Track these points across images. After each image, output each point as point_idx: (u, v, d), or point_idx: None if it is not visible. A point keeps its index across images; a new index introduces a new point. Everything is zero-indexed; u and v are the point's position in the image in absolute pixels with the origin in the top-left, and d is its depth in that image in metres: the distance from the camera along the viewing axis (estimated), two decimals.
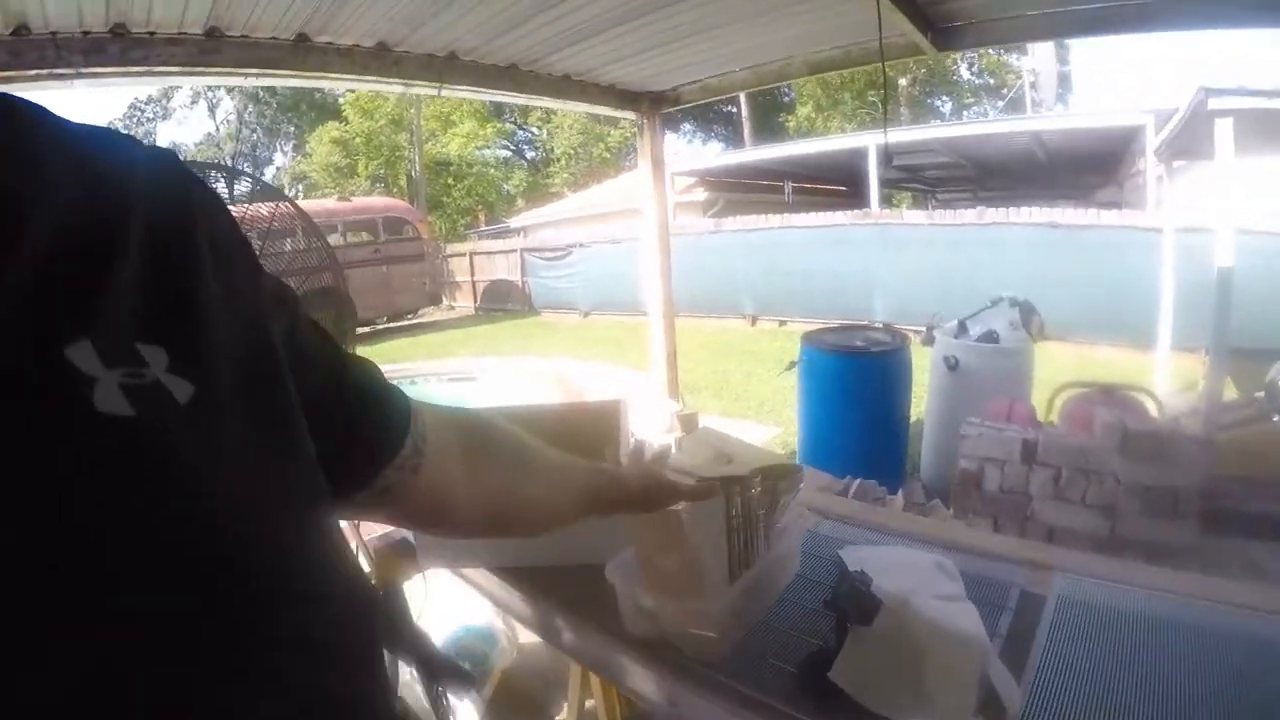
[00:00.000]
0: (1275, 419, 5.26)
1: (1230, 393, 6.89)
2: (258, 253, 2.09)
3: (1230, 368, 7.92)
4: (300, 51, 3.02)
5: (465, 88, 3.67)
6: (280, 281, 0.64)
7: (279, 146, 40.69)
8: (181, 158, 0.57)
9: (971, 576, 1.57)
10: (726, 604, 1.38)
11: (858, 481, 3.52)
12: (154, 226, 0.48)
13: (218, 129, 43.45)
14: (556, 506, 1.03)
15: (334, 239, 17.40)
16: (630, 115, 4.48)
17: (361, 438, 0.70)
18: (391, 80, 3.42)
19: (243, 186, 2.40)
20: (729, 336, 13.84)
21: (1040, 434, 3.67)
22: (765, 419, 7.77)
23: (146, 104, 42.56)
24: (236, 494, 0.46)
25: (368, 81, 3.40)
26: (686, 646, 1.43)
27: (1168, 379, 7.80)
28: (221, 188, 2.34)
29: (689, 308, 15.01)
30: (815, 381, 5.27)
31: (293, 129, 40.03)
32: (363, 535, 2.06)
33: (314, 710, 0.49)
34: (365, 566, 1.90)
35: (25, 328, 0.39)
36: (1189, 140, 6.18)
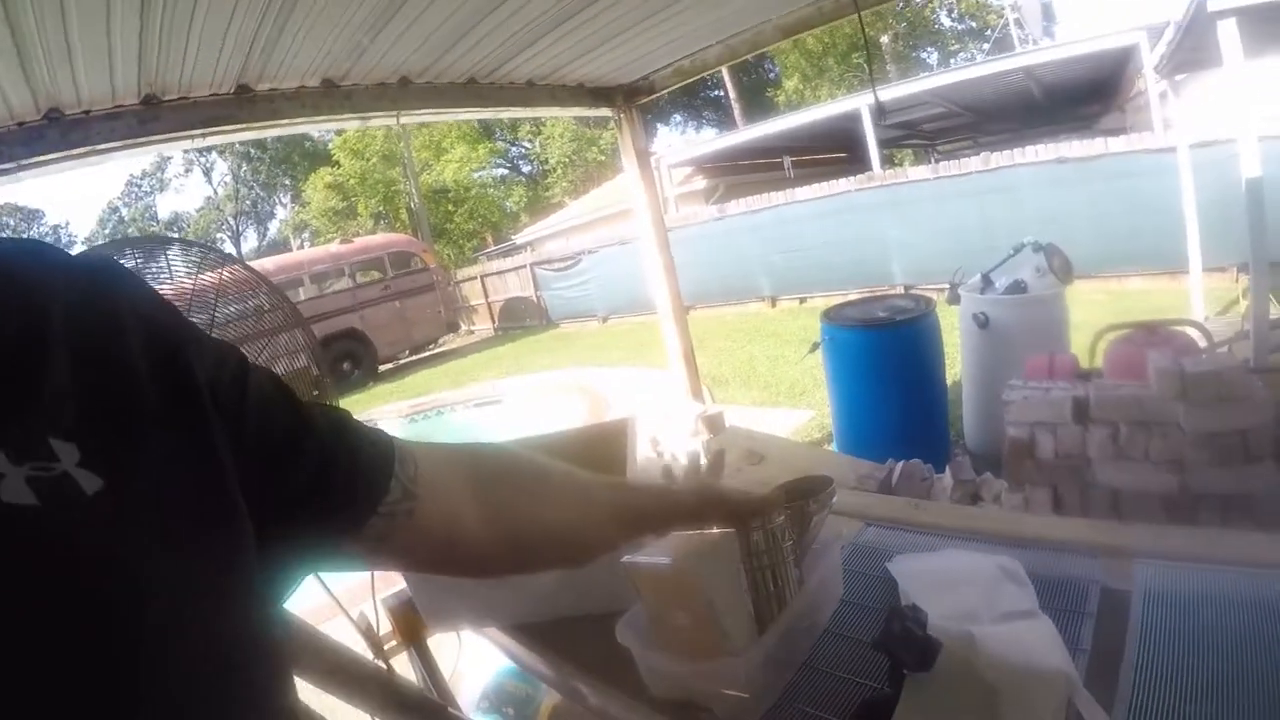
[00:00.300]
0: None
1: (1275, 310, 6.61)
2: (211, 321, 1.93)
3: (1271, 283, 7.64)
4: (245, 103, 2.89)
5: (426, 111, 3.50)
6: (224, 346, 0.66)
7: (278, 200, 41.17)
8: (118, 258, 0.70)
9: (1042, 578, 1.35)
10: (758, 657, 1.16)
11: (900, 464, 3.29)
12: (79, 334, 0.51)
13: (215, 192, 44.08)
14: (593, 531, 0.96)
15: (343, 282, 17.44)
16: (606, 112, 4.29)
17: (334, 488, 0.68)
18: (346, 116, 3.27)
19: (193, 256, 2.25)
20: (751, 321, 13.66)
21: (1090, 389, 3.37)
22: (798, 403, 7.56)
23: (142, 178, 43.38)
24: (151, 581, 0.48)
25: (321, 121, 3.23)
26: (718, 708, 1.22)
27: (1205, 303, 7.53)
28: (178, 262, 2.20)
29: (706, 298, 14.85)
30: (841, 360, 5.05)
31: (289, 180, 40.38)
32: (377, 596, 1.91)
33: None
34: (384, 627, 1.85)
35: None
36: (1190, 50, 5.91)
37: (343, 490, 0.69)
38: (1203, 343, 4.21)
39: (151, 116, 2.71)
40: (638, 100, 4.31)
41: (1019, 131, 20.74)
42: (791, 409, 7.38)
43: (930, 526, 1.74)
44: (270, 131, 3.40)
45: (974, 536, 1.62)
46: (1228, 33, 4.82)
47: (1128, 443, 3.19)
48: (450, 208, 29.84)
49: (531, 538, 0.89)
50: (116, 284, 0.57)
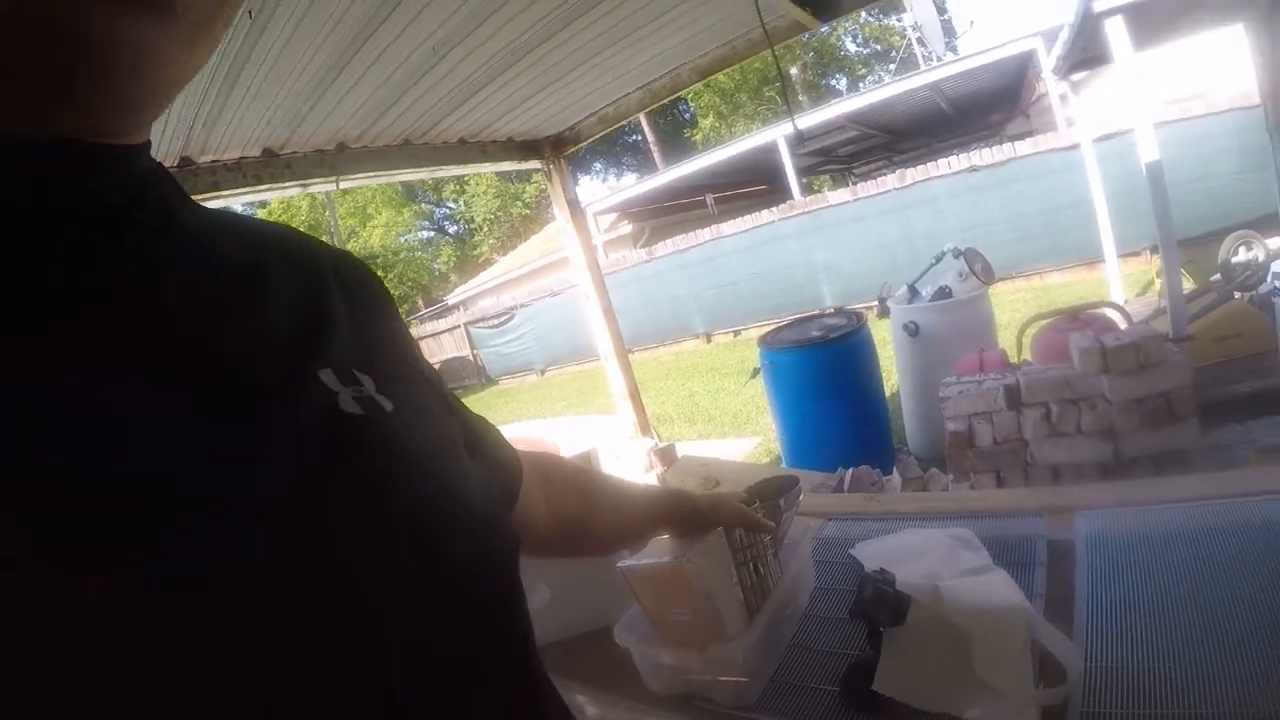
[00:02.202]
0: (1237, 296, 5.29)
1: (1188, 284, 6.97)
2: None
3: (1182, 258, 8.04)
4: (189, 175, 2.92)
5: (363, 175, 3.57)
6: None
7: None
8: None
9: (993, 540, 1.49)
10: (752, 642, 1.27)
11: (850, 471, 3.43)
12: (345, 285, 0.66)
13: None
14: (627, 525, 1.16)
15: None
16: (535, 164, 4.40)
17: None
18: (288, 184, 3.32)
19: None
20: (688, 359, 13.83)
21: (1020, 375, 3.60)
22: (742, 432, 7.70)
23: None
24: (454, 479, 0.61)
25: (264, 190, 3.29)
26: (719, 695, 1.32)
27: (1124, 287, 7.87)
28: None
29: (642, 340, 14.96)
30: (782, 382, 5.20)
31: None
32: None
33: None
34: None
35: (293, 359, 0.55)
36: (1083, 49, 6.21)
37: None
38: (1122, 322, 4.46)
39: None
40: (565, 150, 4.43)
41: (931, 146, 21.37)
42: (737, 438, 7.50)
43: (886, 513, 1.87)
44: (213, 202, 3.44)
45: (927, 516, 1.75)
46: (1115, 29, 5.11)
47: (1060, 420, 3.41)
48: (380, 272, 29.57)
49: (579, 529, 1.04)
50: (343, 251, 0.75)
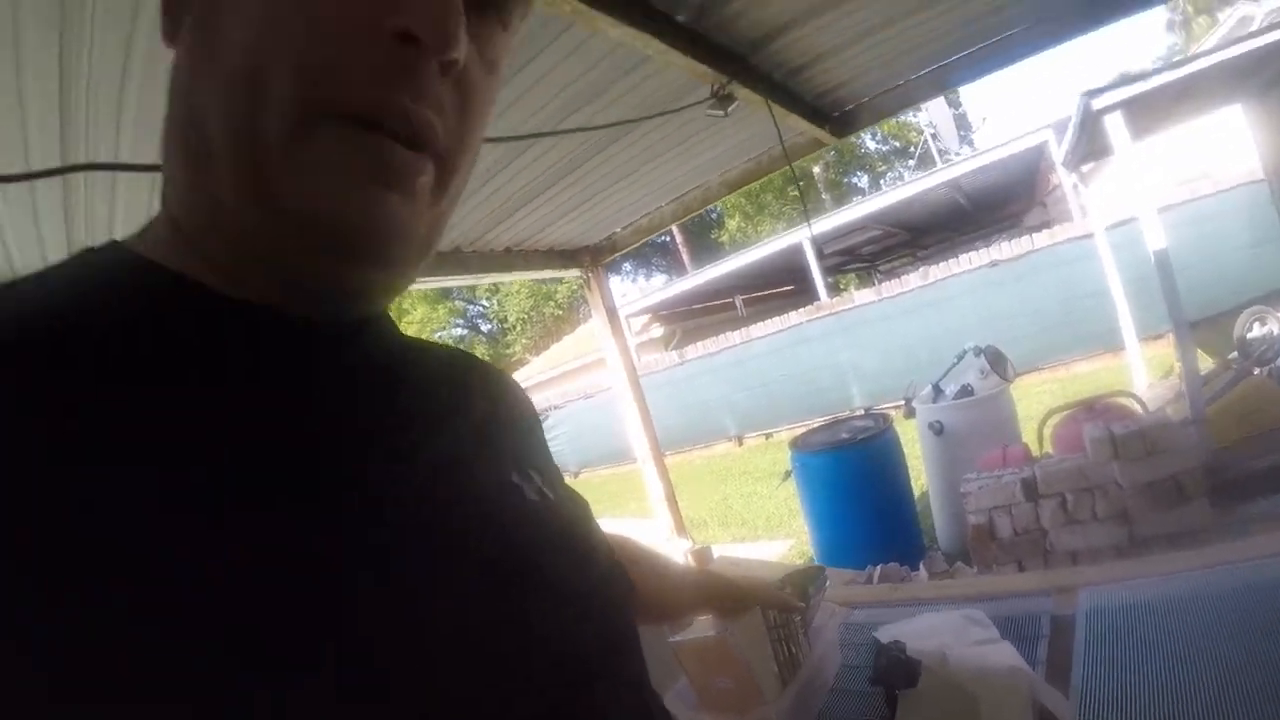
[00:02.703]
0: (1256, 371, 5.38)
1: (1207, 363, 7.06)
2: None
3: (1200, 338, 8.14)
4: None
5: (420, 280, 3.82)
6: None
7: None
8: None
9: (1002, 619, 1.64)
10: (785, 707, 1.42)
11: (879, 569, 3.56)
12: (507, 397, 0.78)
13: None
14: (673, 603, 1.28)
15: None
16: (575, 272, 4.66)
17: None
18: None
19: None
20: (720, 462, 13.83)
21: (1036, 468, 3.75)
22: (776, 534, 7.75)
23: None
24: (605, 553, 0.74)
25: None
26: None
27: (1147, 372, 7.96)
28: None
29: (674, 443, 15.02)
30: (813, 484, 5.36)
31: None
32: None
33: None
34: None
35: (497, 462, 0.66)
36: (1088, 143, 6.47)
37: None
38: (1138, 409, 4.58)
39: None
40: (603, 259, 4.70)
41: (954, 240, 21.68)
42: (770, 540, 7.55)
43: (907, 600, 2.03)
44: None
45: (944, 601, 1.90)
46: (1114, 124, 5.37)
47: (1076, 508, 3.56)
48: None
49: (640, 600, 1.09)
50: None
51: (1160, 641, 1.41)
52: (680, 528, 5.14)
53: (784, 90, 3.03)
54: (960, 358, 5.87)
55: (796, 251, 15.05)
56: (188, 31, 0.49)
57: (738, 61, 2.56)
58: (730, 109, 2.55)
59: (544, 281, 30.52)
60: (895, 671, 1.33)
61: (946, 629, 1.60)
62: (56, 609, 0.36)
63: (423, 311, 32.83)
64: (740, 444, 14.97)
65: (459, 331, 37.54)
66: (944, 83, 3.49)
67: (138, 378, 0.44)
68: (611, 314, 4.86)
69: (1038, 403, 9.02)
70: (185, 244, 0.50)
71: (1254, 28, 11.04)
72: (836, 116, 3.54)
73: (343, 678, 0.42)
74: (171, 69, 0.50)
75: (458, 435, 0.64)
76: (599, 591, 0.66)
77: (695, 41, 2.28)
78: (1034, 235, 11.68)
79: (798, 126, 3.27)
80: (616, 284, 44.01)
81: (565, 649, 0.57)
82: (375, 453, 0.53)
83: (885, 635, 1.73)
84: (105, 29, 1.47)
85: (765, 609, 1.45)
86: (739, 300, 21.79)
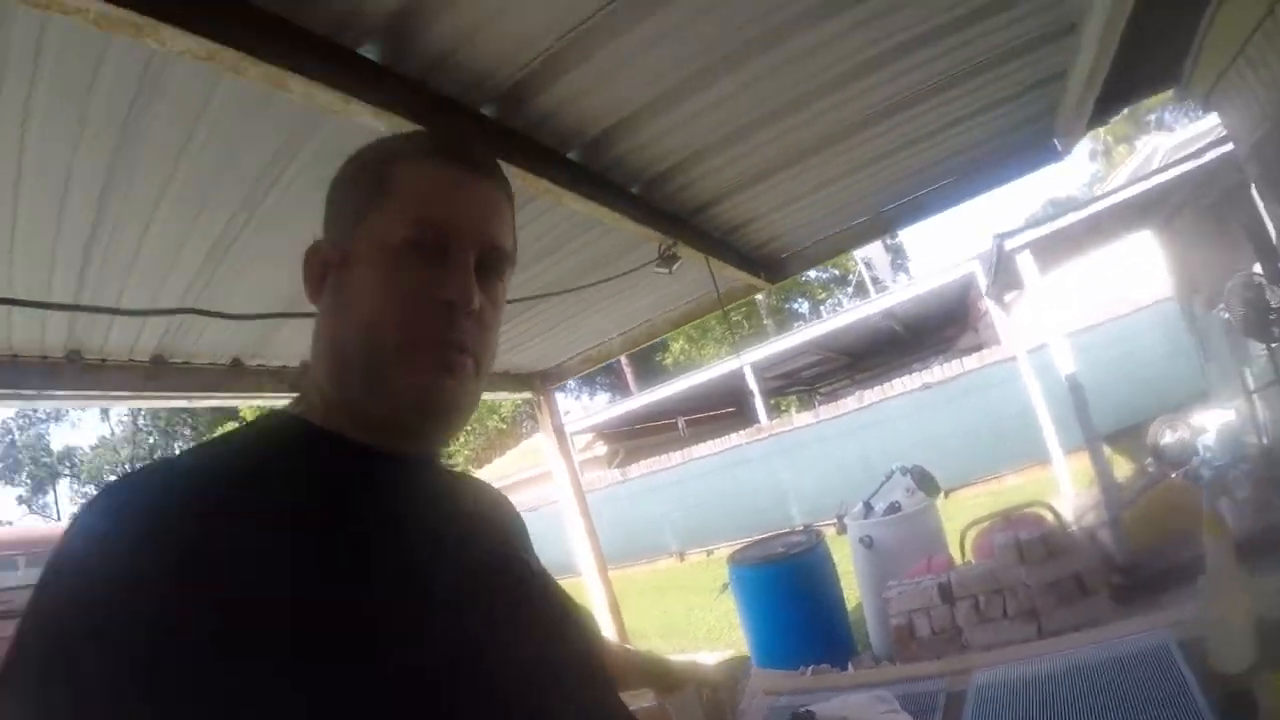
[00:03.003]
0: (1172, 475, 5.84)
1: (1127, 470, 7.54)
2: None
3: (1121, 446, 8.64)
4: (235, 375, 3.30)
5: None
6: None
7: (176, 449, 39.00)
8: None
9: (906, 698, 1.94)
10: None
11: (810, 668, 3.82)
12: (506, 507, 1.09)
13: (112, 432, 42.07)
14: (628, 672, 1.49)
15: None
16: (526, 394, 4.97)
17: None
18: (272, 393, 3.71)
19: None
20: (662, 577, 13.97)
21: (952, 574, 4.13)
22: (716, 644, 7.91)
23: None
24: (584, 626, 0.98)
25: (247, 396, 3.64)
26: None
27: (1071, 482, 8.37)
28: None
29: (617, 558, 15.06)
30: (749, 595, 5.62)
31: (189, 430, 38.58)
32: None
33: None
34: None
35: (514, 546, 0.96)
36: (1006, 275, 7.05)
37: None
38: (1052, 518, 5.00)
39: (156, 374, 3.03)
40: (552, 383, 5.03)
41: (891, 363, 22.46)
42: (710, 651, 7.72)
43: (828, 686, 2.33)
44: (252, 402, 3.87)
45: (859, 686, 2.21)
46: (1025, 262, 5.94)
47: (988, 607, 3.94)
48: None
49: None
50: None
51: (1034, 707, 1.73)
52: (624, 639, 5.34)
53: (723, 245, 3.43)
54: (889, 477, 6.27)
55: (738, 376, 15.54)
56: (327, 295, 0.85)
57: (681, 224, 2.97)
58: (675, 267, 2.93)
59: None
60: None
61: (855, 705, 1.89)
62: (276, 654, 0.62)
63: None
64: (682, 559, 15.12)
65: None
66: (868, 235, 3.95)
67: (322, 495, 0.75)
68: (559, 433, 5.17)
69: (970, 515, 9.35)
70: (331, 411, 0.83)
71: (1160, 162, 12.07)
72: (770, 265, 3.96)
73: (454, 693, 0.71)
74: (319, 313, 0.87)
75: (492, 529, 0.99)
76: (588, 637, 0.97)
77: (644, 208, 2.67)
78: (964, 359, 12.39)
79: (735, 276, 3.66)
80: (561, 399, 44.04)
81: (579, 673, 0.89)
82: (450, 541, 0.87)
83: (800, 709, 2.04)
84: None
85: (699, 688, 1.75)
86: (681, 421, 22.20)
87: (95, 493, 0.70)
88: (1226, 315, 4.80)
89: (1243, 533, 4.44)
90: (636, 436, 21.28)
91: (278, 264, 2.45)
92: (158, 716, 0.57)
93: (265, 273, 2.51)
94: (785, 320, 33.49)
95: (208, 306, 2.59)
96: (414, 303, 0.80)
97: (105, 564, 0.63)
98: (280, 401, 3.00)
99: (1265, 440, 5.96)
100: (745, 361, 14.94)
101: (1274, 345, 4.67)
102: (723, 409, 22.17)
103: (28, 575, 12.88)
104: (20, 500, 41.88)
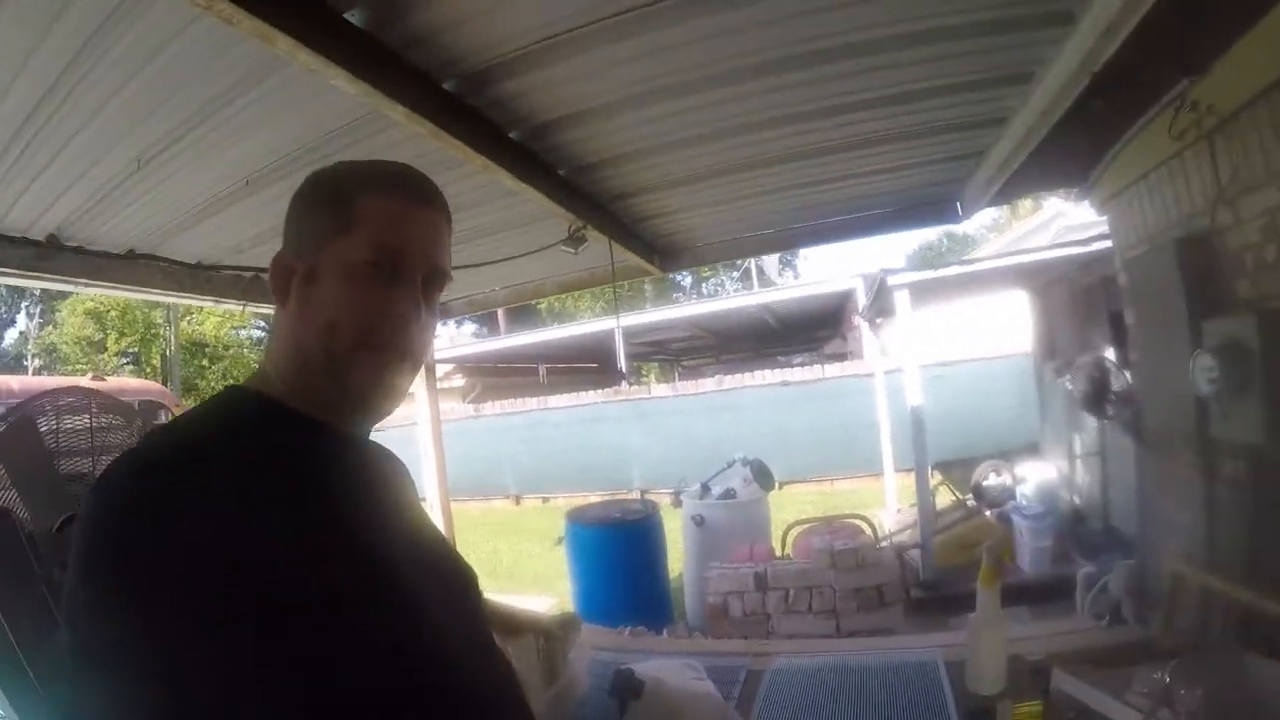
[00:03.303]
0: (987, 513, 6.46)
1: (947, 498, 8.20)
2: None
3: (952, 476, 9.31)
4: (129, 265, 3.23)
5: (268, 305, 4.05)
6: None
7: (24, 308, 35.42)
8: None
9: (713, 669, 2.22)
10: (544, 706, 1.96)
11: (629, 629, 4.14)
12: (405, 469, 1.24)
13: None
14: None
15: (83, 420, 16.19)
16: None
17: None
18: (204, 296, 3.67)
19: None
20: (496, 517, 14.12)
21: (769, 566, 4.57)
22: (542, 591, 8.12)
23: None
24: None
25: (186, 298, 3.60)
26: None
27: (898, 497, 9.04)
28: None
29: (454, 491, 14.99)
30: (581, 553, 5.93)
31: (38, 292, 35.23)
32: None
33: None
34: None
35: (422, 510, 1.15)
36: (882, 304, 7.48)
37: None
38: (869, 531, 5.51)
39: (48, 253, 2.94)
40: None
41: (758, 351, 23.12)
42: (536, 596, 7.98)
43: (645, 648, 2.63)
44: (142, 296, 3.81)
45: (676, 654, 2.51)
46: (901, 298, 6.38)
47: (795, 601, 4.39)
48: (205, 363, 27.48)
49: None
50: None
51: (819, 693, 2.06)
52: None
53: (628, 232, 3.63)
54: (730, 464, 6.68)
55: (607, 335, 15.56)
56: (293, 301, 0.98)
57: (597, 208, 3.15)
58: (580, 249, 3.13)
59: None
60: (625, 686, 1.90)
61: (668, 668, 2.17)
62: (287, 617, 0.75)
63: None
64: (518, 503, 15.34)
65: (259, 333, 35.91)
66: (768, 247, 4.23)
67: (288, 466, 0.90)
68: (429, 371, 5.29)
69: (798, 509, 9.90)
70: (291, 393, 0.98)
71: (1068, 223, 12.76)
72: (668, 255, 4.18)
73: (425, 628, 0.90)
74: (277, 315, 1.02)
75: (408, 492, 1.19)
76: (474, 582, 1.15)
77: (566, 190, 2.84)
78: (826, 365, 12.97)
79: (632, 259, 3.87)
80: None
81: (471, 602, 1.11)
82: (391, 501, 1.07)
83: (623, 666, 2.32)
84: None
85: (535, 635, 1.99)
86: (543, 368, 22.34)
87: (112, 476, 0.82)
88: (1071, 386, 5.29)
89: (1040, 577, 5.05)
90: (496, 375, 21.26)
91: (196, 183, 2.56)
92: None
93: (182, 188, 2.60)
94: (664, 290, 33.87)
95: (115, 207, 2.68)
96: (370, 313, 0.97)
97: (126, 547, 0.74)
98: (168, 299, 3.02)
99: (1077, 500, 6.62)
100: (618, 325, 15.09)
101: (1104, 421, 5.19)
102: (586, 363, 22.39)
103: None
104: None
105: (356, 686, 0.79)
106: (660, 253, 4.16)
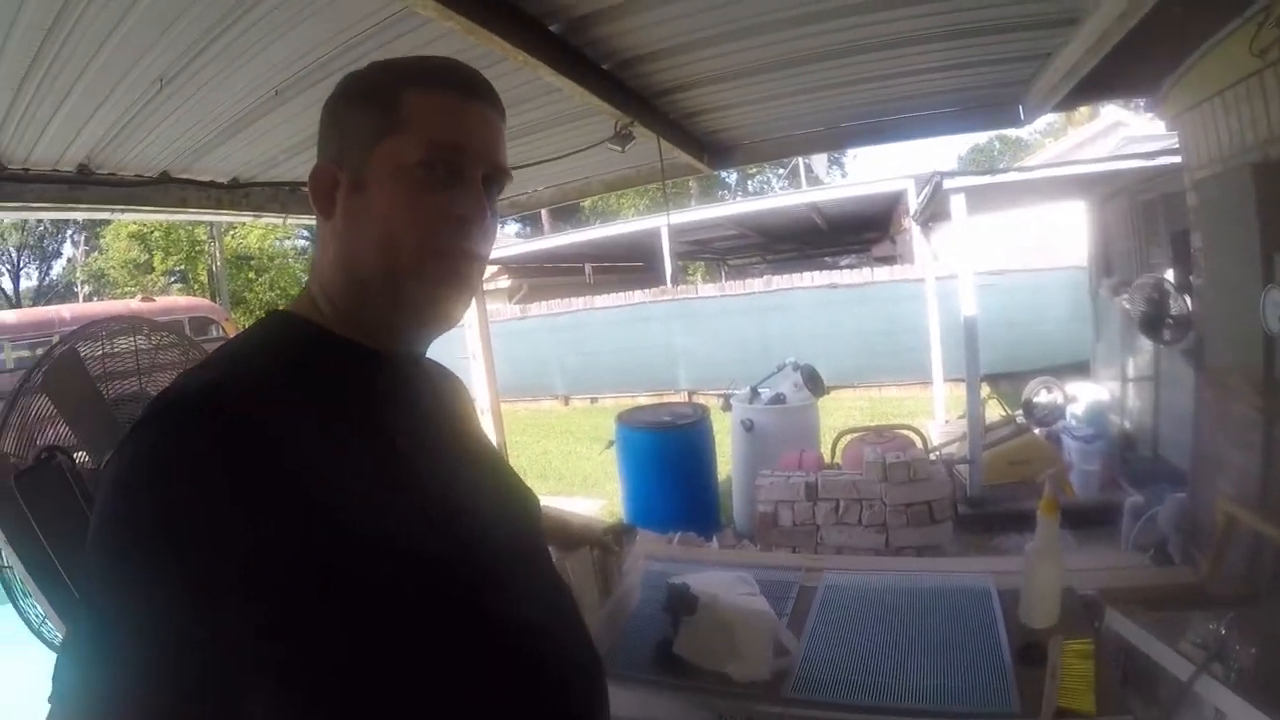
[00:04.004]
0: (1035, 431, 6.34)
1: (997, 412, 8.06)
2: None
3: (1001, 390, 9.15)
4: (162, 187, 3.26)
5: (309, 216, 4.03)
6: None
7: (69, 237, 36.29)
8: None
9: (765, 583, 2.21)
10: (598, 620, 1.94)
11: (679, 535, 4.14)
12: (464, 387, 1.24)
13: (16, 216, 38.77)
14: None
15: (129, 343, 16.61)
16: None
17: None
18: (241, 212, 3.73)
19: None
20: (545, 418, 14.25)
21: (820, 475, 4.50)
22: (591, 493, 8.28)
23: None
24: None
25: (222, 215, 3.67)
26: None
27: (947, 407, 8.94)
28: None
29: (503, 393, 15.20)
30: (632, 456, 5.96)
31: (81, 219, 36.11)
32: None
33: None
34: None
35: (483, 433, 1.15)
36: (936, 207, 7.27)
37: None
38: (919, 442, 5.42)
39: (81, 183, 3.01)
40: None
41: (805, 251, 22.84)
42: (586, 498, 8.09)
43: (699, 560, 2.61)
44: (179, 217, 3.83)
45: (725, 565, 2.47)
46: (957, 202, 6.15)
47: (845, 513, 4.33)
48: (251, 275, 27.71)
49: None
50: None
51: (871, 613, 2.02)
52: None
53: (677, 128, 3.50)
54: (780, 368, 6.60)
55: (652, 234, 15.48)
56: (339, 216, 0.91)
57: (642, 104, 3.02)
58: (628, 147, 3.01)
59: None
60: (680, 602, 1.88)
61: (721, 582, 2.14)
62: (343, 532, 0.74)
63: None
64: (566, 404, 15.43)
65: (303, 243, 36.28)
66: (820, 145, 4.05)
67: (340, 395, 0.88)
68: None
69: (845, 416, 9.92)
70: (339, 318, 0.92)
71: (1130, 133, 12.26)
72: (717, 152, 4.05)
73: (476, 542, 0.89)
74: (320, 231, 0.95)
75: (469, 415, 1.16)
76: (534, 504, 1.13)
77: (611, 85, 2.72)
78: (875, 269, 12.68)
79: (680, 156, 3.74)
80: None
81: (530, 528, 1.08)
82: (450, 422, 1.05)
83: (676, 580, 2.29)
84: None
85: (591, 548, 1.96)
86: (589, 268, 22.26)
87: (149, 416, 0.75)
88: (1128, 306, 5.10)
89: (1086, 502, 4.95)
90: (542, 275, 21.25)
91: (222, 98, 2.51)
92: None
93: (209, 104, 2.56)
94: (710, 187, 33.26)
95: (142, 130, 2.66)
96: (431, 219, 0.88)
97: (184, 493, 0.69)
98: (206, 218, 3.02)
99: (1127, 425, 6.50)
100: (663, 223, 14.95)
101: (1160, 346, 5.01)
102: (632, 262, 22.27)
103: None
104: None
105: (423, 634, 0.79)
106: (709, 150, 4.03)
